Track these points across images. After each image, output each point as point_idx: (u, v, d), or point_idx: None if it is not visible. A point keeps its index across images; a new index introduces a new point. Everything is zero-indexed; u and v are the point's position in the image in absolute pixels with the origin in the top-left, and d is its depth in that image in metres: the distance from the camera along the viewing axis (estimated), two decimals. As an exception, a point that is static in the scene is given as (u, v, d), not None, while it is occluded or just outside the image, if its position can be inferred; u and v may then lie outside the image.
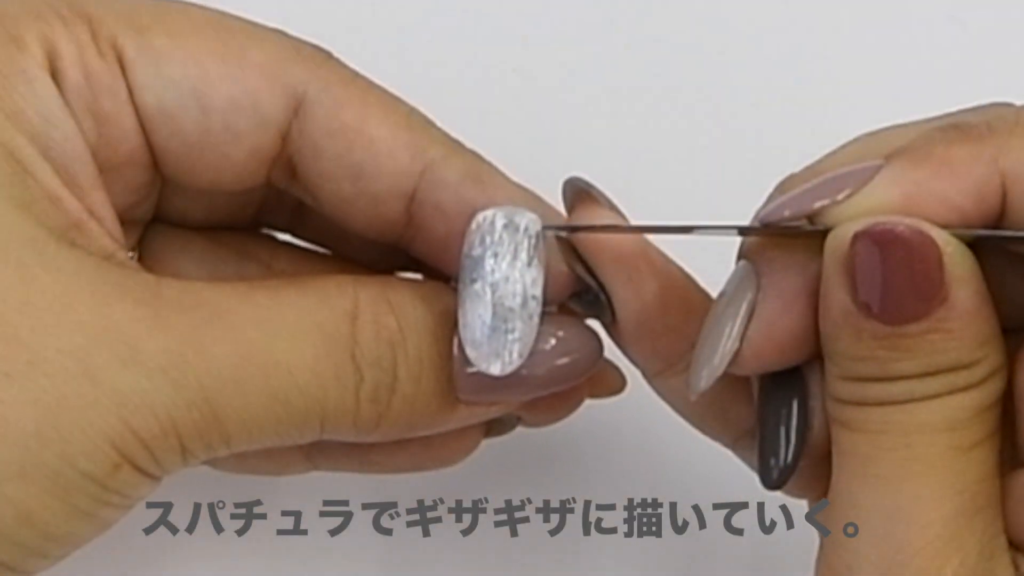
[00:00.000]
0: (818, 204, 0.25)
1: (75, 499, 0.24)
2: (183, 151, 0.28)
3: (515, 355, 0.28)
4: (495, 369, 0.28)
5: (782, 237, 0.27)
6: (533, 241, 0.28)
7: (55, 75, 0.26)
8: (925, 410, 0.25)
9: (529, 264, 0.28)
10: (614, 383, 0.33)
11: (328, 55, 0.29)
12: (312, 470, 0.32)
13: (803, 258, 0.26)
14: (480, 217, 0.28)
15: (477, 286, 0.27)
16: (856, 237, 0.24)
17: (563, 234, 0.29)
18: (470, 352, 0.27)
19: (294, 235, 0.33)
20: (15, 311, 0.24)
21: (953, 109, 0.25)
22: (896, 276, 0.24)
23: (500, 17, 0.42)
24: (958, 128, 0.25)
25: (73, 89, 0.26)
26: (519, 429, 0.33)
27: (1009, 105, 0.27)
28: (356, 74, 0.29)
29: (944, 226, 0.24)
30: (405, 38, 0.41)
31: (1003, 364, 0.25)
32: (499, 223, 0.28)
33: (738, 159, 0.41)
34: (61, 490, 0.24)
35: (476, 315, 0.27)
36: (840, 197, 0.25)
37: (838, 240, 0.25)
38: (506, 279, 0.27)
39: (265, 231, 0.33)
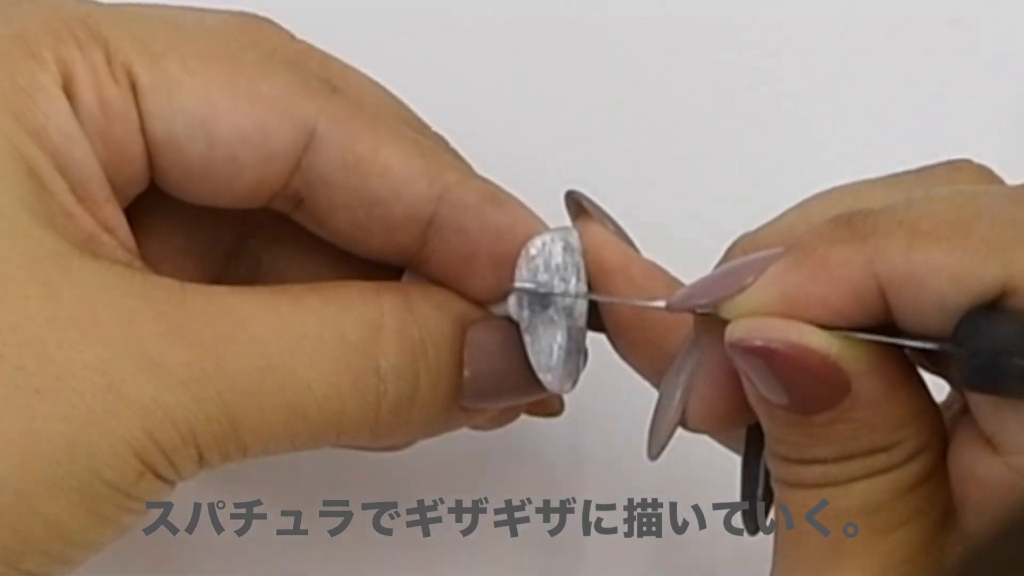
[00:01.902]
0: (713, 297, 0.25)
1: (101, 508, 0.25)
2: (185, 177, 0.28)
3: (580, 371, 0.29)
4: (567, 388, 0.29)
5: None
6: (583, 259, 0.28)
7: (70, 97, 0.26)
8: (843, 494, 0.25)
9: (585, 282, 0.28)
10: (552, 406, 0.33)
11: (333, 87, 0.29)
12: None
13: None
14: (539, 243, 0.28)
15: (551, 312, 0.28)
16: (730, 347, 0.25)
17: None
18: (543, 376, 0.28)
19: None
20: (43, 327, 0.24)
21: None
22: (787, 378, 0.24)
23: (500, 32, 0.42)
24: (847, 224, 0.24)
25: (87, 113, 0.27)
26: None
27: (959, 164, 0.27)
28: (362, 104, 0.29)
29: (829, 325, 0.24)
30: (402, 54, 0.41)
31: (932, 438, 0.25)
32: (559, 247, 0.28)
33: (737, 155, 0.41)
34: (88, 501, 0.25)
35: (551, 339, 0.28)
36: (732, 290, 0.25)
37: (727, 340, 0.25)
38: (578, 302, 0.28)
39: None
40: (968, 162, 0.27)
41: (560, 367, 0.28)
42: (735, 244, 0.28)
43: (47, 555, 0.25)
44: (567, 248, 0.28)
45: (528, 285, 0.28)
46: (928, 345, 0.24)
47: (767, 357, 0.24)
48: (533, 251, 0.28)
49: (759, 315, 0.24)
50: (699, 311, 0.26)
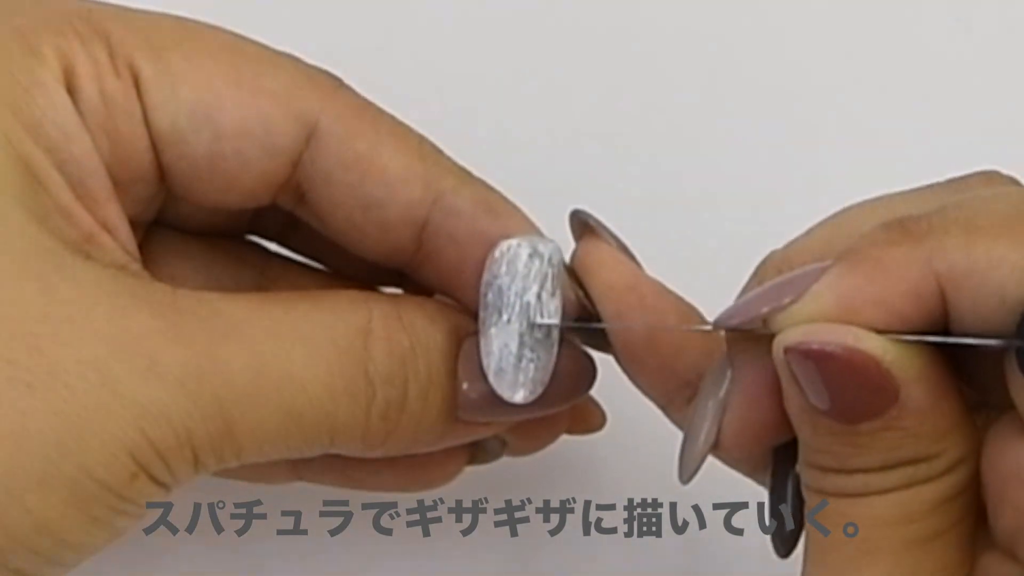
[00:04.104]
0: (763, 311, 0.25)
1: (92, 508, 0.25)
2: (192, 172, 0.28)
3: (538, 384, 0.28)
4: (518, 397, 0.28)
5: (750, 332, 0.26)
6: (556, 271, 0.28)
7: (71, 91, 0.26)
8: (882, 503, 0.25)
9: (552, 293, 0.28)
10: (594, 421, 0.33)
11: (339, 82, 0.29)
12: (296, 481, 0.33)
13: (770, 350, 0.26)
14: (504, 246, 0.28)
15: (503, 316, 0.28)
16: (786, 351, 0.24)
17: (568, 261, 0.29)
18: (493, 380, 0.28)
19: (282, 244, 0.33)
20: (36, 322, 0.24)
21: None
22: (837, 384, 0.24)
23: (506, 43, 0.42)
24: (901, 227, 0.24)
25: (89, 107, 0.26)
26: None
27: (991, 174, 0.27)
28: (367, 102, 0.29)
29: (886, 329, 0.24)
30: (411, 61, 0.41)
31: (970, 451, 0.25)
32: (524, 252, 0.28)
33: (739, 159, 0.41)
34: (79, 500, 0.24)
35: (502, 344, 0.28)
36: (783, 303, 0.25)
37: (777, 349, 0.25)
38: (533, 309, 0.28)
39: (254, 239, 0.33)
40: (997, 173, 0.27)
41: (509, 372, 0.28)
42: (766, 261, 0.27)
43: (37, 554, 0.24)
44: (533, 255, 0.28)
45: (501, 280, 0.28)
46: (989, 341, 0.24)
47: (822, 361, 0.24)
48: (497, 253, 0.28)
49: (816, 321, 0.24)
50: (744, 328, 0.26)
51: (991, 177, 0.27)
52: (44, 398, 0.24)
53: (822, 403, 0.24)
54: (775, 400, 0.26)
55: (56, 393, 0.24)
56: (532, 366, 0.28)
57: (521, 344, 0.28)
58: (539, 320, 0.28)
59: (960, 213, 0.24)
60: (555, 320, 0.28)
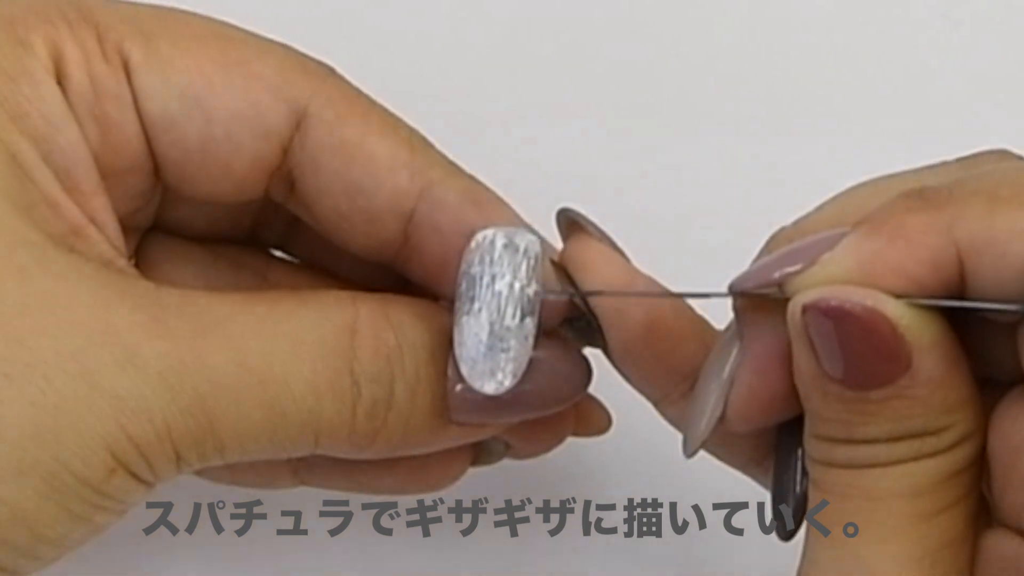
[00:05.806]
0: (779, 274, 0.25)
1: (69, 502, 0.24)
2: (185, 159, 0.28)
3: (509, 375, 0.28)
4: (489, 388, 0.28)
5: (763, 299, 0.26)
6: (532, 262, 0.28)
7: (60, 79, 0.26)
8: (889, 475, 0.25)
9: (527, 284, 0.28)
10: (600, 422, 0.33)
11: (331, 70, 0.29)
12: (298, 486, 0.32)
13: (782, 319, 0.26)
14: (480, 236, 0.28)
15: (475, 304, 0.27)
16: (805, 309, 0.24)
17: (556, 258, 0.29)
18: (464, 370, 0.27)
19: (286, 252, 0.33)
20: (15, 312, 0.24)
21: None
22: (852, 346, 0.24)
23: (503, 40, 0.42)
24: (920, 195, 0.24)
25: (78, 93, 0.26)
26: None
27: (1004, 152, 0.27)
28: (359, 91, 0.29)
29: (903, 295, 0.24)
30: (406, 57, 0.41)
31: (978, 427, 0.25)
32: (499, 242, 0.28)
33: (731, 157, 0.41)
34: (56, 492, 0.24)
35: (472, 333, 0.27)
36: (800, 267, 0.25)
37: (794, 309, 0.25)
38: (504, 298, 0.27)
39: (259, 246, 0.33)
40: (1008, 151, 0.27)
41: (480, 362, 0.27)
42: (777, 235, 0.27)
43: (12, 546, 0.24)
44: (508, 245, 0.28)
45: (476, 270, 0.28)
46: (1007, 307, 0.24)
47: (841, 320, 0.24)
48: (473, 243, 0.28)
49: (835, 284, 0.24)
50: (759, 292, 0.26)
51: (1003, 155, 0.27)
52: (21, 388, 0.23)
53: (834, 368, 0.24)
54: (784, 371, 0.26)
55: (33, 384, 0.24)
56: (502, 356, 0.28)
57: (492, 334, 0.27)
58: (510, 311, 0.28)
59: (981, 184, 0.24)
60: (533, 312, 0.28)
